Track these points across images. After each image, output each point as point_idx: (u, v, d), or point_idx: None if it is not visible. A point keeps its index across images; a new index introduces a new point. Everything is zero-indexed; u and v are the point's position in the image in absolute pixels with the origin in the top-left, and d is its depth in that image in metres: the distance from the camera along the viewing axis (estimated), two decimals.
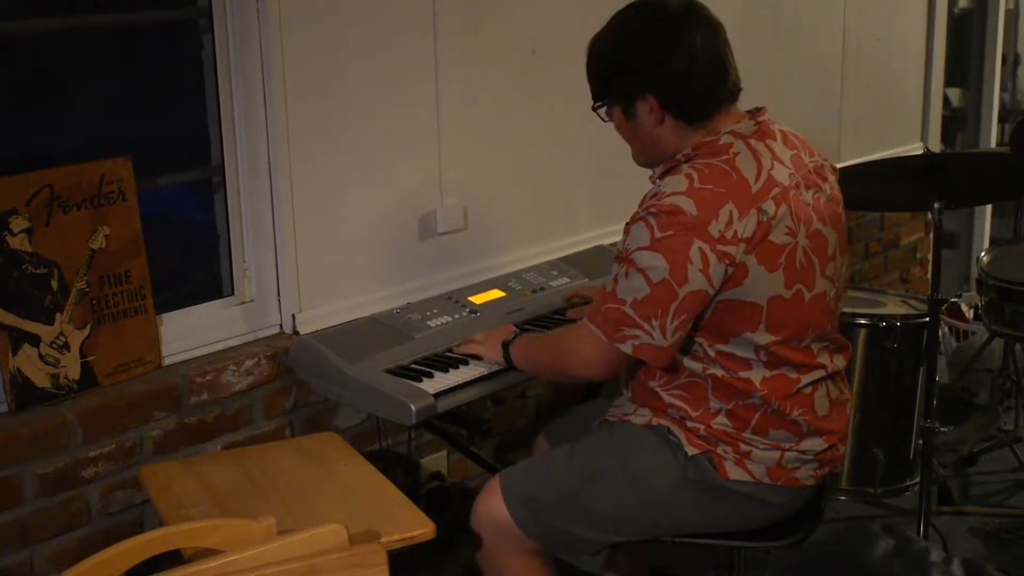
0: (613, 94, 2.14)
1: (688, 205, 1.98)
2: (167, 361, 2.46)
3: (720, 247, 1.97)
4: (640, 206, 2.06)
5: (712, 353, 2.09)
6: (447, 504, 2.84)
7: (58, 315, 2.27)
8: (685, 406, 2.13)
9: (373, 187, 2.72)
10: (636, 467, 2.16)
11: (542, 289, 2.84)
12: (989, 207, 5.26)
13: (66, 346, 2.29)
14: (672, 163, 2.10)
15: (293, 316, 2.63)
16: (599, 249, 3.11)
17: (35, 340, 2.24)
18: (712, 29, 2.08)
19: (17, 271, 2.21)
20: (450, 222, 2.88)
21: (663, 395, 2.16)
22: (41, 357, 2.25)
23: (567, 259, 3.03)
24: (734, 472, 2.12)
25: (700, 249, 1.97)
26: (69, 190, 2.27)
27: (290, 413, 2.61)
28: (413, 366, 2.41)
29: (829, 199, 2.16)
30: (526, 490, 2.21)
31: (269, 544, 1.75)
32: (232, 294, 2.62)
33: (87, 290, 2.31)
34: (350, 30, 2.60)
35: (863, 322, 3.26)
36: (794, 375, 2.12)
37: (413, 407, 2.23)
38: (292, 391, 2.60)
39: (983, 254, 3.60)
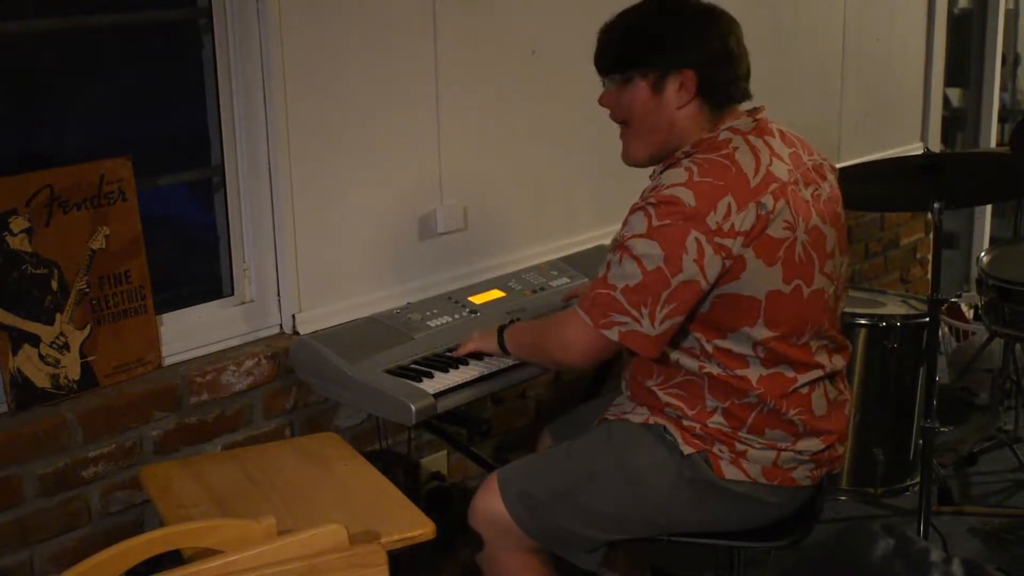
0: (647, 65, 2.11)
1: (687, 196, 1.98)
2: (167, 361, 2.46)
3: (717, 239, 1.97)
4: (639, 199, 2.07)
5: (710, 349, 2.09)
6: (447, 504, 2.83)
7: (58, 315, 2.27)
8: (681, 405, 2.13)
9: (373, 187, 2.72)
10: (633, 465, 2.17)
11: (542, 289, 2.84)
12: (989, 207, 5.26)
13: (66, 346, 2.29)
14: (672, 160, 2.11)
15: (293, 316, 2.63)
16: (599, 249, 3.11)
17: (35, 340, 2.24)
18: (739, 26, 2.15)
19: (17, 271, 2.21)
20: (450, 222, 2.88)
21: (660, 394, 2.16)
22: (41, 357, 2.25)
23: (567, 259, 3.03)
24: (730, 471, 2.12)
25: (696, 239, 1.97)
26: (69, 190, 2.27)
27: (290, 413, 2.61)
28: (413, 366, 2.41)
29: (829, 198, 2.16)
30: (524, 487, 2.21)
31: (269, 544, 1.75)
32: (232, 294, 2.62)
33: (87, 290, 2.31)
34: (350, 30, 2.60)
35: (863, 322, 3.25)
36: (791, 374, 2.12)
37: (413, 407, 2.23)
38: (292, 391, 2.60)
39: (983, 254, 3.60)
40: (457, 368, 2.39)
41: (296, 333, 2.62)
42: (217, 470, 2.28)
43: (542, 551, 2.25)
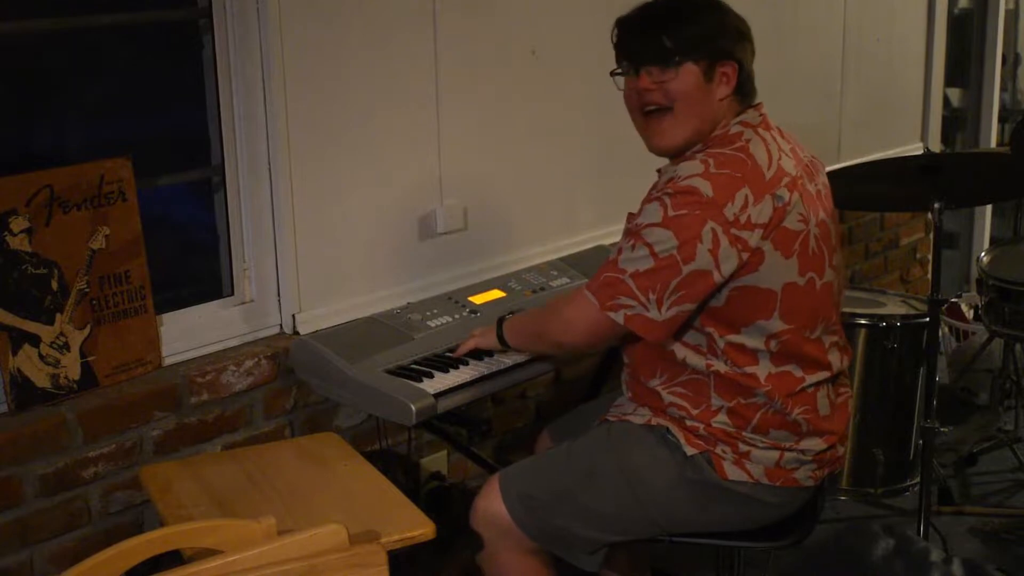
0: (700, 52, 2.10)
1: (705, 186, 1.99)
2: (167, 361, 2.46)
3: (734, 231, 1.98)
4: (653, 189, 2.08)
5: (721, 344, 2.09)
6: (447, 504, 2.83)
7: (58, 315, 2.27)
8: (686, 404, 2.13)
9: (373, 187, 2.72)
10: (633, 466, 2.17)
11: (542, 289, 2.84)
12: (989, 207, 5.26)
13: (66, 346, 2.29)
14: (687, 157, 2.11)
15: (293, 316, 2.63)
16: (599, 249, 3.11)
17: (35, 340, 2.24)
18: None
19: (17, 271, 2.21)
20: (450, 222, 2.88)
21: (663, 394, 2.16)
22: (41, 357, 2.25)
23: (567, 259, 3.03)
24: (732, 472, 2.12)
25: (712, 229, 1.98)
26: (69, 190, 2.26)
27: (290, 413, 2.61)
28: (413, 366, 2.41)
29: (826, 194, 2.20)
30: (524, 488, 2.21)
31: (269, 544, 1.75)
32: (232, 294, 2.62)
33: (87, 290, 2.31)
34: (350, 30, 2.60)
35: (863, 322, 3.25)
36: (799, 373, 2.12)
37: (413, 407, 2.23)
38: (292, 391, 2.60)
39: (983, 254, 3.60)
40: (457, 368, 2.39)
41: (296, 333, 2.62)
42: (217, 470, 2.27)
43: (543, 552, 2.24)
